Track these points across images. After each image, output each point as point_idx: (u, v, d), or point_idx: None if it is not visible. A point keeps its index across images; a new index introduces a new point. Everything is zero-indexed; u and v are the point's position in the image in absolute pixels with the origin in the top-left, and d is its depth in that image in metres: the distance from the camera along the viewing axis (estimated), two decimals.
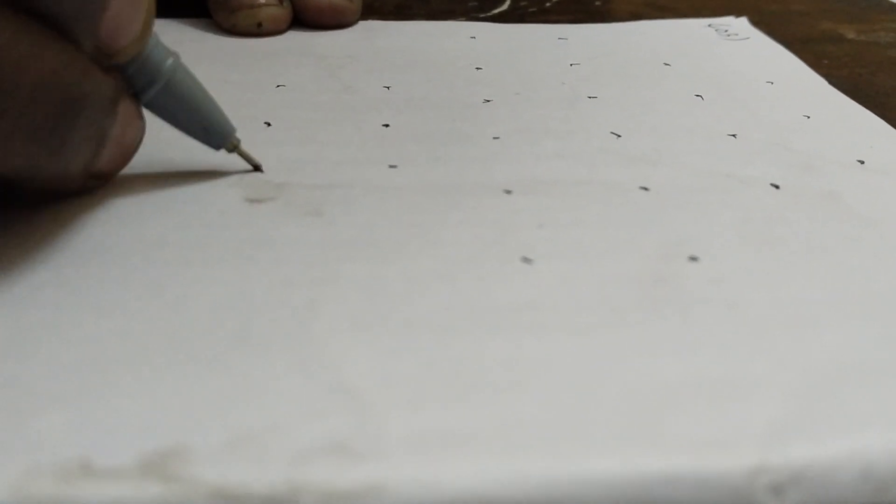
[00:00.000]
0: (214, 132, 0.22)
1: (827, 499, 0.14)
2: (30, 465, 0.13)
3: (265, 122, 0.26)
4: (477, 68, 0.32)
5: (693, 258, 0.20)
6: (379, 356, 0.16)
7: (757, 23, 0.39)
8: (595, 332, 0.17)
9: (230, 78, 0.30)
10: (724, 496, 0.14)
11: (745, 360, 0.16)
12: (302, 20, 0.36)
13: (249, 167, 0.23)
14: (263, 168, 0.23)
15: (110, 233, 0.20)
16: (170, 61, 0.20)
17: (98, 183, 0.20)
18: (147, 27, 0.19)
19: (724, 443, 0.14)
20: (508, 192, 0.22)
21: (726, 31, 0.38)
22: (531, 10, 0.42)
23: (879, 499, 0.14)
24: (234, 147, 0.22)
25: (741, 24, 0.39)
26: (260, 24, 0.34)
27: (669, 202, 0.22)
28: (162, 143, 0.24)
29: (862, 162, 0.25)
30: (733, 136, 0.26)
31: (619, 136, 0.26)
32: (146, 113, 0.21)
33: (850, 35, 0.40)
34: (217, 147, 0.22)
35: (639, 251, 0.20)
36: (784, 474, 0.14)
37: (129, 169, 0.22)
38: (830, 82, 0.32)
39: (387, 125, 0.26)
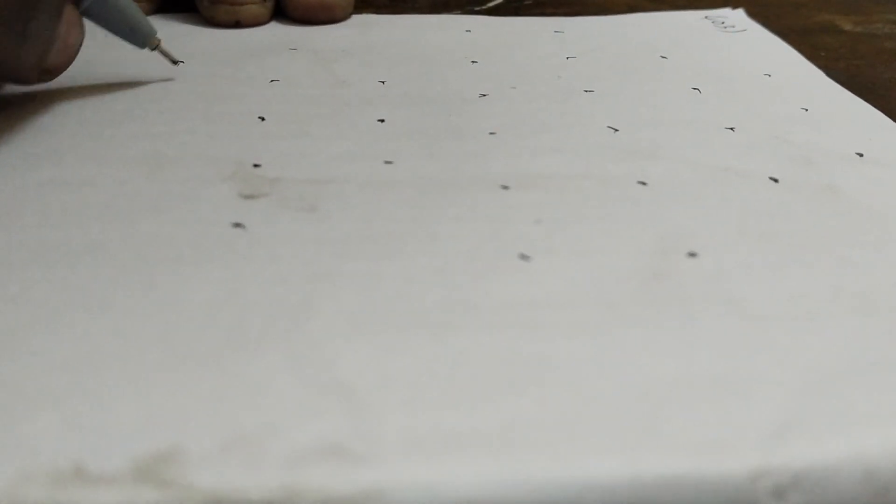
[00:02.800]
0: (139, 33, 0.26)
1: (828, 502, 0.14)
2: (23, 469, 0.13)
3: (259, 117, 0.26)
4: (472, 62, 0.32)
5: (692, 254, 0.19)
6: (375, 355, 0.16)
7: (753, 14, 0.38)
8: (593, 329, 0.17)
9: (223, 72, 0.29)
10: (725, 499, 0.13)
11: (745, 357, 0.16)
12: (291, 17, 0.36)
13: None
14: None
15: (102, 230, 0.19)
16: None
17: (48, 78, 0.24)
18: None
19: (725, 444, 0.14)
20: (505, 187, 0.22)
21: (723, 22, 0.37)
22: (526, 2, 0.41)
23: (880, 501, 0.14)
24: (156, 45, 0.27)
25: (738, 16, 0.38)
26: (238, 22, 0.34)
27: (667, 196, 0.22)
28: (152, 137, 0.24)
29: (861, 154, 0.25)
30: (731, 129, 0.26)
31: (617, 130, 0.26)
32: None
33: (847, 27, 0.40)
34: (142, 45, 0.27)
35: (637, 246, 0.20)
36: (785, 477, 0.14)
37: (122, 166, 0.22)
38: (827, 74, 0.32)
39: (382, 120, 0.26)
